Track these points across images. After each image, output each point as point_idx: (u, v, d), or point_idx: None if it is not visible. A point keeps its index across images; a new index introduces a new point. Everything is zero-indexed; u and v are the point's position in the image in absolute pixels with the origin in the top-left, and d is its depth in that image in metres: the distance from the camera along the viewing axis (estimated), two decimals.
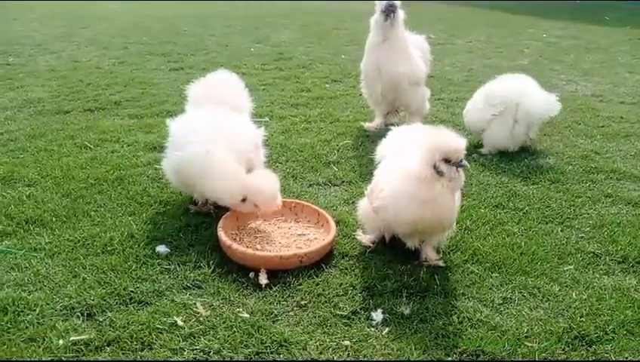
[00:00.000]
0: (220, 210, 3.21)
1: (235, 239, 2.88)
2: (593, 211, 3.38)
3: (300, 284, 2.58)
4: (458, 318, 2.35)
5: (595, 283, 2.63)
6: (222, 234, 2.78)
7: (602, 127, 5.06)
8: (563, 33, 10.58)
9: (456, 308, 2.42)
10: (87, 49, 8.36)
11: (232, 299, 2.48)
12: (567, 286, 2.61)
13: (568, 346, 2.20)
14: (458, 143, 2.47)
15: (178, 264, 2.73)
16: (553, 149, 4.46)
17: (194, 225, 3.09)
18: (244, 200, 2.90)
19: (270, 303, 2.46)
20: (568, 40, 9.95)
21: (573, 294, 2.54)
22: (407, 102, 4.70)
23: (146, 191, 3.50)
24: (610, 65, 7.91)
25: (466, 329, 2.29)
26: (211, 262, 2.73)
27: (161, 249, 2.83)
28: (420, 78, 4.68)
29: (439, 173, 2.48)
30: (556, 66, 7.79)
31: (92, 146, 4.30)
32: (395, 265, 2.72)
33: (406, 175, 2.59)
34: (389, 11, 4.32)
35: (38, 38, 9.12)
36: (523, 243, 2.96)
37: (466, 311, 2.40)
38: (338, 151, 4.28)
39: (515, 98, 4.13)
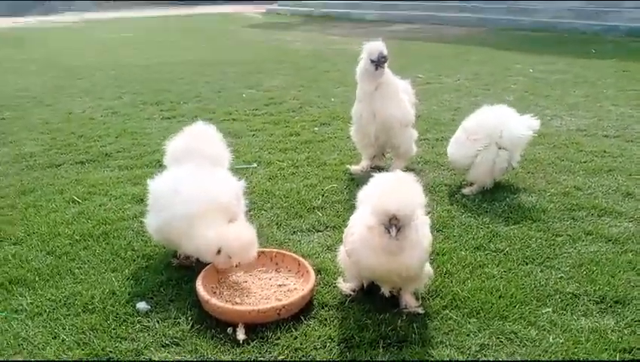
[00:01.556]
0: (201, 263, 3.25)
1: (215, 293, 2.91)
2: (573, 250, 3.40)
3: (278, 339, 2.59)
4: None
5: (572, 326, 2.63)
6: (200, 289, 2.80)
7: (585, 162, 5.11)
8: (550, 68, 10.75)
9: (432, 357, 2.43)
10: (81, 100, 8.53)
11: (209, 356, 2.49)
12: (544, 329, 2.62)
13: None
14: (387, 206, 2.44)
15: (157, 321, 2.74)
16: (535, 187, 4.50)
17: (175, 280, 3.12)
18: (219, 252, 2.93)
19: (247, 360, 2.46)
20: (555, 74, 10.11)
21: (550, 338, 2.54)
22: (397, 144, 4.79)
23: (130, 245, 3.54)
24: (596, 98, 8.02)
25: None
26: (190, 318, 2.75)
27: (142, 306, 2.85)
28: (409, 121, 4.82)
29: (386, 228, 2.50)
30: (542, 102, 7.91)
31: (80, 200, 4.36)
32: (374, 314, 2.74)
33: (366, 226, 2.64)
34: (380, 62, 4.42)
35: (34, 91, 9.32)
36: (502, 286, 2.98)
37: (442, 360, 2.40)
38: (323, 195, 4.33)
39: (497, 126, 4.19)
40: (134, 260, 3.35)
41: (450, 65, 11.69)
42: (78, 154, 5.70)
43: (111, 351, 2.50)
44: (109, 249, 3.49)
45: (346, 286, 2.97)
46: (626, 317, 2.68)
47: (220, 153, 3.52)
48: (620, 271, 3.10)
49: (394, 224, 2.45)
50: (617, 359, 2.38)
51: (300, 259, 3.14)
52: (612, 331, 2.58)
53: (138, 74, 11.22)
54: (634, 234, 3.57)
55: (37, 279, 3.12)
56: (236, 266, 2.96)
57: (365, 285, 2.89)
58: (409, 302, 2.80)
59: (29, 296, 2.94)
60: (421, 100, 8.11)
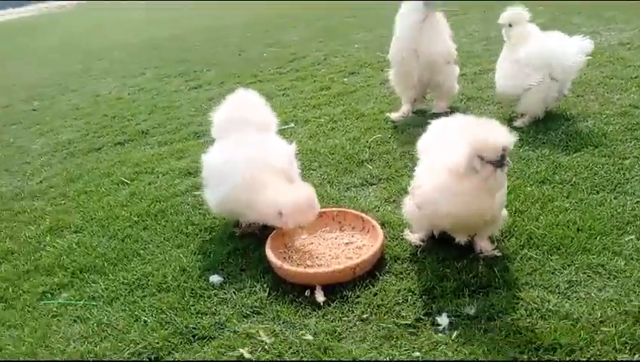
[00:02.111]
0: (265, 229, 3.22)
1: (284, 258, 2.88)
2: None
3: (358, 297, 2.55)
4: (526, 311, 2.29)
5: None
6: (271, 256, 2.78)
7: (636, 77, 4.86)
8: None
9: (522, 300, 2.36)
10: (105, 81, 8.49)
11: (292, 321, 2.47)
12: (632, 259, 2.52)
13: None
14: (497, 140, 2.31)
15: (234, 292, 2.73)
16: (589, 110, 4.31)
17: (242, 249, 3.09)
18: (280, 214, 2.88)
19: (331, 321, 2.44)
20: None
21: None
22: (441, 82, 4.61)
23: (189, 220, 3.52)
24: (633, 9, 7.60)
25: (537, 322, 2.22)
26: (265, 286, 2.73)
27: (215, 278, 2.85)
28: (453, 56, 4.63)
29: (474, 170, 2.40)
30: (575, 19, 7.54)
31: (129, 181, 4.35)
32: (451, 263, 2.67)
33: (442, 168, 2.54)
34: None
35: (58, 78, 9.31)
36: (578, 219, 2.87)
37: (533, 301, 2.33)
38: (369, 148, 4.22)
39: (548, 58, 3.97)
40: (197, 234, 3.34)
41: None
42: (115, 135, 5.69)
43: (194, 328, 2.50)
44: (169, 226, 3.48)
45: (414, 236, 2.91)
46: None
47: (266, 118, 3.42)
48: None
49: (491, 161, 2.34)
50: None
51: (363, 215, 3.08)
52: None
53: (155, 48, 11.10)
54: None
55: (105, 264, 3.13)
56: (300, 228, 2.91)
57: (437, 234, 2.81)
58: (484, 246, 2.72)
59: (102, 282, 2.96)
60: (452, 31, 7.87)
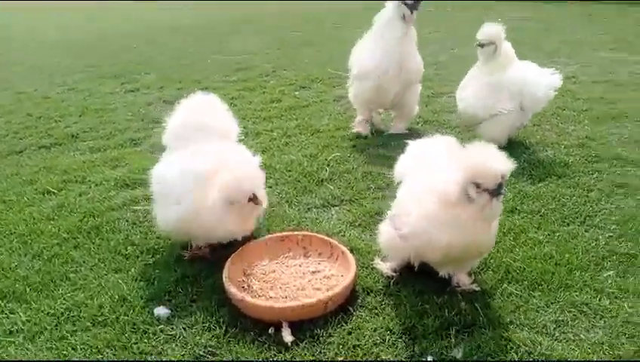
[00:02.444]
0: (217, 252, 2.88)
1: (243, 287, 2.55)
2: (610, 205, 3.20)
3: (331, 336, 2.27)
4: (517, 354, 2.10)
5: None
6: (230, 286, 2.44)
7: (586, 110, 4.94)
8: (517, 15, 10.58)
9: (510, 341, 2.17)
10: (30, 77, 7.76)
11: None
12: (616, 297, 2.40)
13: None
14: (495, 167, 2.13)
15: (184, 328, 2.37)
16: (547, 140, 4.30)
17: (192, 276, 2.73)
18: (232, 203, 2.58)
19: None
20: (525, 22, 9.95)
21: (626, 306, 2.33)
22: (406, 101, 4.47)
23: (128, 239, 3.11)
24: (572, 44, 7.90)
25: None
26: (222, 321, 2.39)
27: (161, 311, 2.47)
28: (421, 74, 4.52)
29: (468, 198, 2.21)
30: (521, 50, 7.65)
31: (56, 191, 3.85)
32: (430, 297, 2.45)
33: (431, 195, 2.32)
34: (416, 5, 4.11)
35: None
36: (554, 252, 2.74)
37: (523, 343, 2.15)
38: (328, 166, 3.97)
39: (522, 87, 3.90)
40: (138, 257, 2.93)
41: (418, 18, 11.34)
42: (40, 137, 5.12)
43: None
44: (104, 246, 3.05)
45: (386, 266, 2.67)
46: None
47: (227, 125, 3.09)
48: None
49: (488, 189, 2.15)
50: None
51: (331, 240, 2.81)
52: None
53: (89, 46, 10.39)
54: None
55: (27, 290, 2.66)
56: (252, 200, 2.60)
57: (416, 266, 2.58)
58: (462, 280, 2.53)
59: (22, 313, 2.50)
60: None
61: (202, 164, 2.66)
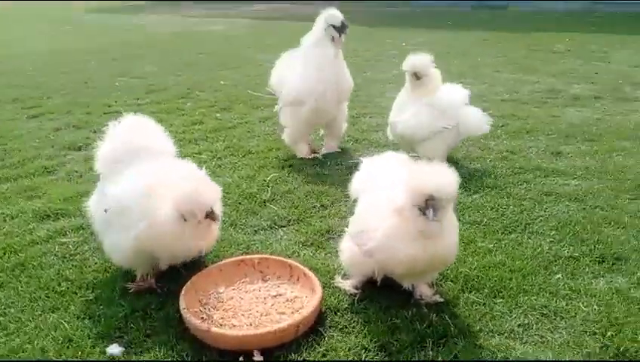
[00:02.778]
0: (163, 282, 2.69)
1: (202, 318, 2.38)
2: (545, 213, 3.39)
3: (305, 360, 2.17)
4: (495, 359, 2.13)
5: (592, 290, 2.57)
6: (191, 318, 2.27)
7: (502, 126, 5.25)
8: (420, 40, 11.14)
9: (485, 349, 2.20)
10: None
11: None
12: (570, 298, 2.52)
13: None
14: (422, 187, 2.18)
15: None
16: (472, 154, 4.50)
17: (142, 309, 2.52)
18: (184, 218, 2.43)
19: None
20: (428, 46, 10.45)
21: (582, 306, 2.45)
22: (338, 119, 4.50)
23: (61, 274, 2.82)
24: (476, 66, 8.42)
25: None
26: (185, 354, 2.21)
27: (114, 350, 2.25)
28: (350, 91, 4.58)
29: (421, 212, 2.22)
30: None
31: None
32: (398, 312, 2.43)
33: (391, 210, 2.33)
34: (344, 28, 4.14)
35: None
36: (505, 260, 2.84)
37: (498, 349, 2.18)
38: (269, 187, 3.88)
39: (461, 112, 4.09)
40: (75, 293, 2.66)
41: None
42: None
43: None
44: (34, 284, 2.73)
45: (347, 284, 2.63)
46: (634, 274, 2.69)
47: (165, 145, 2.93)
48: (601, 228, 3.14)
49: (431, 205, 2.16)
50: None
51: (290, 261, 2.72)
52: (630, 289, 2.57)
53: None
54: (588, 190, 3.67)
55: None
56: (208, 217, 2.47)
57: (379, 281, 2.56)
58: (424, 292, 2.54)
59: None
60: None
61: (158, 180, 2.49)
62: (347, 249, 2.57)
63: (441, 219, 2.21)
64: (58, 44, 12.32)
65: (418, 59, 4.02)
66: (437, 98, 4.03)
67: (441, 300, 2.53)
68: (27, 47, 12.00)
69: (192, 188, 2.44)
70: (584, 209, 3.41)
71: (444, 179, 2.21)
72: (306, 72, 4.24)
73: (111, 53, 10.76)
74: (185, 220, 2.42)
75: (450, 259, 2.40)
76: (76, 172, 4.42)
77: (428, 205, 2.17)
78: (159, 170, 2.58)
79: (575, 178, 3.92)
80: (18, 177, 4.33)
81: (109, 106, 6.65)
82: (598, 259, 2.83)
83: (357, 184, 2.72)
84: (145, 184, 2.49)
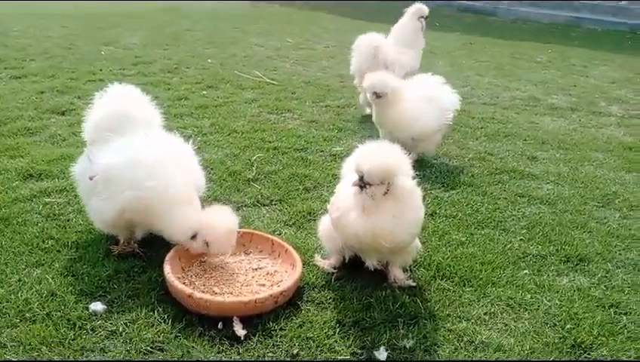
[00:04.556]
0: (146, 248, 2.75)
1: (184, 284, 2.46)
2: (517, 212, 3.55)
3: (283, 329, 2.27)
4: (460, 343, 2.26)
5: (557, 287, 2.73)
6: (175, 282, 2.35)
7: (482, 128, 5.41)
8: None
9: (452, 331, 2.33)
10: None
11: (210, 358, 2.09)
12: (534, 292, 2.67)
13: (571, 356, 2.23)
14: (360, 164, 2.41)
15: (125, 323, 2.24)
16: (451, 153, 4.64)
17: (125, 271, 2.58)
18: (194, 237, 2.50)
19: (258, 357, 2.12)
20: None
21: (545, 300, 2.60)
22: None
23: (45, 232, 2.86)
24: (459, 68, 8.58)
25: (474, 354, 2.20)
26: (166, 316, 2.29)
27: (97, 306, 2.31)
28: None
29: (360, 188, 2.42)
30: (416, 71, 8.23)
31: None
32: (373, 292, 2.54)
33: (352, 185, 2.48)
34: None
35: None
36: (477, 253, 2.98)
37: (465, 333, 2.31)
38: (253, 166, 3.95)
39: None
40: (59, 251, 2.70)
41: (311, 31, 11.61)
42: None
43: None
44: (18, 239, 2.76)
45: (326, 263, 2.73)
46: (596, 274, 2.86)
47: (152, 116, 2.98)
48: (569, 231, 3.31)
49: (365, 182, 2.37)
50: (611, 314, 2.51)
51: (273, 237, 2.81)
52: (591, 288, 2.73)
53: None
54: (559, 195, 3.85)
55: None
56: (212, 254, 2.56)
57: (347, 258, 2.68)
58: (397, 275, 2.66)
59: None
60: (304, 66, 7.99)
61: (154, 152, 2.56)
62: (323, 222, 2.72)
63: (374, 197, 2.37)
64: (43, 8, 12.07)
65: (376, 79, 4.00)
66: (436, 96, 4.14)
67: (414, 284, 2.65)
68: (11, 8, 11.73)
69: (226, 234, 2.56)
70: (554, 212, 3.57)
71: (376, 161, 2.38)
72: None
73: (97, 21, 10.60)
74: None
75: (392, 240, 2.43)
76: (60, 135, 4.42)
77: (363, 182, 2.34)
78: (158, 143, 2.64)
79: (548, 183, 4.09)
80: (1, 136, 4.31)
81: (94, 74, 6.60)
82: (563, 259, 3.00)
83: (346, 165, 2.83)
84: (137, 156, 2.54)
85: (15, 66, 6.66)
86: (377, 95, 3.99)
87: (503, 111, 6.19)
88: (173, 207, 2.48)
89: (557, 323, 2.43)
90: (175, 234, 2.52)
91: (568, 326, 2.40)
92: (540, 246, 3.11)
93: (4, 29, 9.08)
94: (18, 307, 2.24)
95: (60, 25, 9.93)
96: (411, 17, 5.52)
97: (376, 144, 2.68)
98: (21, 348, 2.03)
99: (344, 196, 2.55)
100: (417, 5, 5.51)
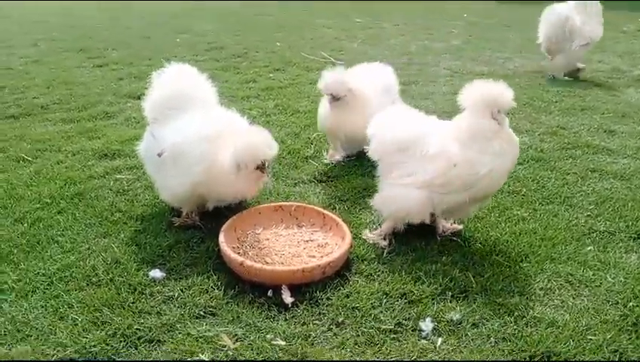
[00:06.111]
0: (206, 220, 2.86)
1: (238, 253, 2.54)
2: (587, 188, 3.35)
3: (329, 299, 2.31)
4: (511, 318, 2.19)
5: (623, 264, 2.56)
6: (228, 251, 2.44)
7: (556, 102, 5.14)
8: (479, 12, 10.85)
9: (503, 306, 2.26)
10: None
11: (257, 324, 2.16)
12: (598, 269, 2.53)
13: (631, 335, 2.10)
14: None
15: (181, 289, 2.36)
16: (522, 127, 4.44)
17: (184, 242, 2.71)
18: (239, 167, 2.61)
19: (303, 324, 2.17)
20: (489, 18, 10.23)
21: (608, 277, 2.46)
22: None
23: (114, 206, 3.05)
24: (535, 41, 8.16)
25: (524, 329, 2.13)
26: (220, 284, 2.39)
27: (156, 274, 2.44)
28: None
29: None
30: (487, 45, 7.93)
31: (30, 158, 3.73)
32: (423, 265, 2.52)
33: None
34: None
35: None
36: (538, 229, 2.86)
37: (516, 308, 2.24)
38: (312, 145, 3.99)
39: None
40: (126, 223, 2.88)
41: (381, 10, 11.45)
42: (7, 107, 4.94)
43: (139, 329, 2.10)
44: (90, 212, 2.98)
45: (375, 234, 2.74)
46: None
47: (209, 94, 3.08)
48: None
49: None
50: None
51: (325, 211, 2.84)
52: None
53: (45, 21, 10.01)
54: (636, 169, 3.59)
55: (14, 251, 2.59)
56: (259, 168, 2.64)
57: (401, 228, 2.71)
58: (445, 225, 2.76)
59: (11, 272, 2.42)
60: (371, 45, 7.93)
61: (216, 127, 2.69)
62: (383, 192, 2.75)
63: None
64: (119, 2, 12.71)
65: (332, 79, 3.46)
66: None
67: (461, 227, 2.77)
68: (96, 3, 12.47)
69: (251, 141, 2.60)
70: (628, 187, 3.35)
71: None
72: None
73: (171, 11, 11.04)
74: (239, 169, 2.59)
75: None
76: (134, 118, 4.67)
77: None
78: (220, 119, 2.76)
79: (625, 157, 3.83)
80: (81, 119, 4.63)
81: (169, 60, 6.86)
82: (633, 236, 2.81)
83: None
84: (203, 131, 2.65)
85: (98, 55, 7.12)
86: (334, 97, 3.47)
87: (583, 83, 5.86)
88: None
89: (619, 301, 2.29)
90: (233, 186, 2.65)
91: (631, 303, 2.26)
92: (608, 223, 2.93)
93: (87, 23, 9.68)
94: (86, 272, 2.43)
95: (137, 16, 10.44)
96: None
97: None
98: (86, 308, 2.19)
99: None
100: None
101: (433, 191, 2.57)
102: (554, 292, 2.37)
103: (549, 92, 5.43)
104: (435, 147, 2.56)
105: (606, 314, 2.21)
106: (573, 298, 2.34)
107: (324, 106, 3.65)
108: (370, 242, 2.72)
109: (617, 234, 2.83)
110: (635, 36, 8.48)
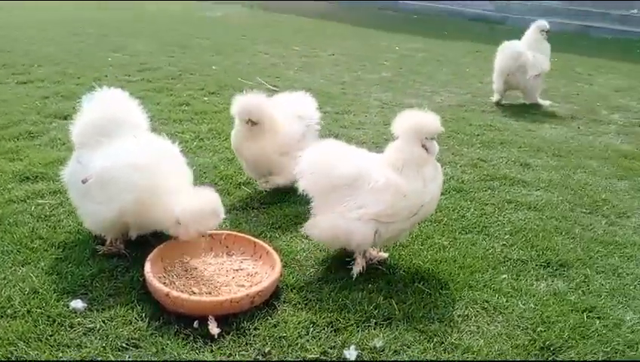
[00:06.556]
0: (131, 249, 2.82)
1: (165, 283, 2.52)
2: (503, 218, 3.57)
3: (257, 329, 2.33)
4: (430, 344, 2.30)
5: (533, 291, 2.75)
6: (154, 281, 2.41)
7: (478, 135, 5.43)
8: (413, 46, 11.30)
9: (423, 332, 2.36)
10: None
11: (182, 356, 2.15)
12: (511, 296, 2.70)
13: (538, 358, 2.25)
14: None
15: (103, 321, 2.30)
16: (445, 158, 4.65)
17: (108, 271, 2.65)
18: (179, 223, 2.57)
19: (229, 355, 2.18)
20: (420, 53, 10.66)
21: (520, 304, 2.63)
22: None
23: (35, 233, 2.94)
24: (462, 76, 8.60)
25: (442, 355, 2.24)
26: (144, 315, 2.35)
27: (77, 304, 2.38)
28: None
29: None
30: (418, 78, 8.26)
31: None
32: (351, 293, 2.59)
33: None
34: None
35: None
36: (458, 256, 3.02)
37: (435, 334, 2.35)
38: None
39: None
40: (47, 250, 2.79)
41: (318, 39, 11.71)
42: None
43: None
44: (8, 238, 2.86)
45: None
46: (574, 279, 2.88)
47: (139, 119, 3.06)
48: (552, 237, 3.32)
49: None
50: (584, 318, 2.53)
51: (256, 240, 2.87)
52: (568, 293, 2.75)
53: None
54: (547, 201, 3.86)
55: None
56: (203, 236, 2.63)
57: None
58: (372, 253, 2.87)
59: None
60: (307, 73, 8.07)
61: (147, 156, 2.69)
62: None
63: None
64: (51, 14, 12.30)
65: (252, 104, 3.46)
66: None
67: (386, 256, 2.88)
68: (19, 15, 11.99)
69: (201, 209, 2.59)
70: (540, 218, 3.59)
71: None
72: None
73: (105, 28, 10.79)
74: (178, 226, 2.59)
75: None
76: (59, 139, 4.52)
77: None
78: (149, 146, 2.78)
79: (538, 189, 4.11)
80: (2, 139, 4.43)
81: (100, 80, 6.72)
82: (543, 264, 3.02)
83: None
84: (133, 159, 2.63)
85: (22, 72, 6.82)
86: (253, 122, 3.44)
87: (503, 119, 6.21)
88: (163, 197, 2.55)
89: (529, 326, 2.46)
90: (164, 223, 2.59)
91: (539, 328, 2.43)
92: (521, 251, 3.14)
93: (11, 35, 9.28)
94: (0, 304, 2.32)
95: (69, 31, 10.13)
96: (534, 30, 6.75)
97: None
98: None
99: None
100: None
101: (381, 222, 2.67)
102: (471, 319, 2.51)
103: (472, 125, 5.73)
104: (383, 178, 2.66)
105: (517, 339, 2.37)
106: (488, 324, 2.48)
107: (235, 128, 3.66)
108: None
109: (529, 262, 3.03)
110: (550, 75, 9.08)
